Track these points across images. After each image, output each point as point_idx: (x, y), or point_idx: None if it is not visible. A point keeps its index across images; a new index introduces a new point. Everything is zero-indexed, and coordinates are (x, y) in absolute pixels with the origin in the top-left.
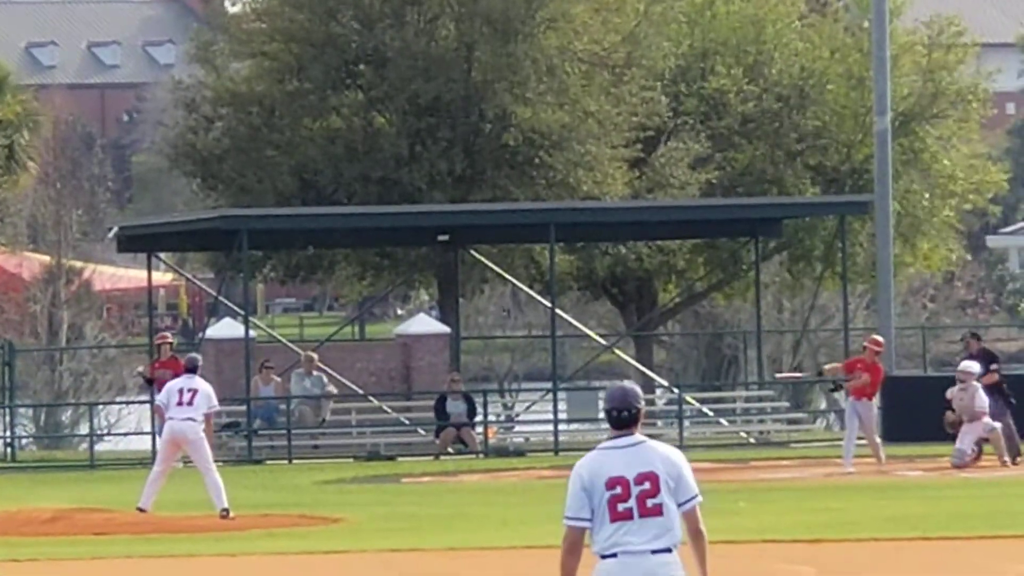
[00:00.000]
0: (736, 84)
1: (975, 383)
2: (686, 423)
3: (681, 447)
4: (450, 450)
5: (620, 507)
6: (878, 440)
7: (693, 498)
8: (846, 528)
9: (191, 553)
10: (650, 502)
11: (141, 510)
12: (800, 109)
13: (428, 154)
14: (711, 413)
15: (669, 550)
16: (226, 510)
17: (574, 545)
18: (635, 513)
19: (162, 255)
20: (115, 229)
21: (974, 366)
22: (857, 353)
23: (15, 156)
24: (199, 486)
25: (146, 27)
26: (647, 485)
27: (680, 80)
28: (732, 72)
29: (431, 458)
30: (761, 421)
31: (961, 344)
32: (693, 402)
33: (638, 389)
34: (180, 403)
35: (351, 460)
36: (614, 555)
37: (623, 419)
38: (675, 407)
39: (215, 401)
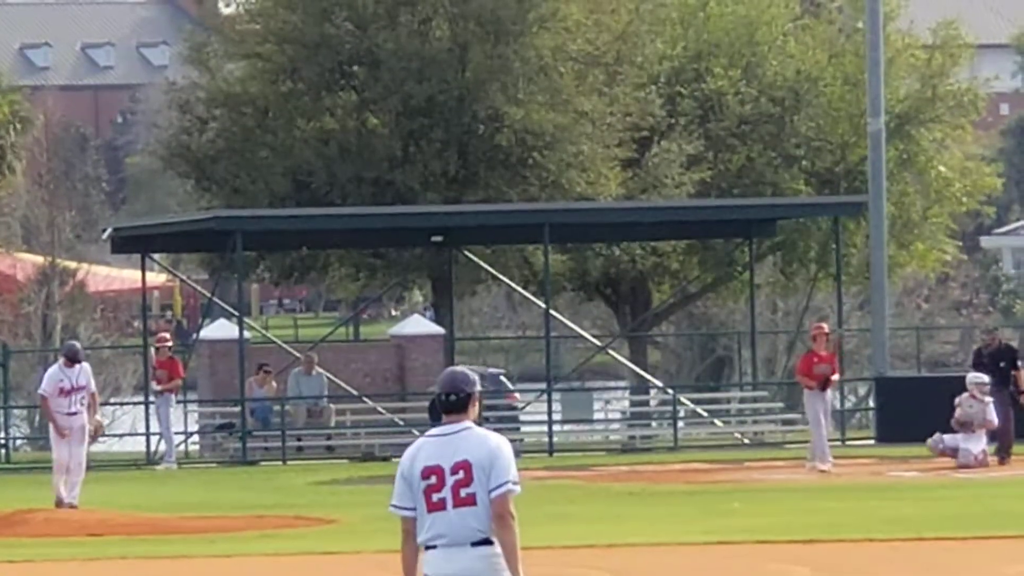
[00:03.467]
0: (733, 86)
1: (987, 398)
2: (680, 424)
3: (675, 448)
4: None
5: (435, 497)
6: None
7: (503, 484)
8: (841, 529)
9: (186, 554)
10: (463, 492)
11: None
12: (795, 111)
13: (422, 155)
14: (705, 414)
15: (490, 542)
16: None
17: (406, 534)
18: (448, 503)
19: (156, 256)
20: (109, 230)
21: (985, 377)
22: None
23: (5, 157)
24: (194, 487)
25: (140, 28)
26: (461, 474)
27: (675, 82)
28: (729, 74)
29: None
30: (755, 422)
31: (982, 342)
32: (687, 403)
33: (471, 374)
34: None
35: (346, 461)
36: (435, 547)
37: (452, 403)
38: (669, 408)
39: (41, 387)
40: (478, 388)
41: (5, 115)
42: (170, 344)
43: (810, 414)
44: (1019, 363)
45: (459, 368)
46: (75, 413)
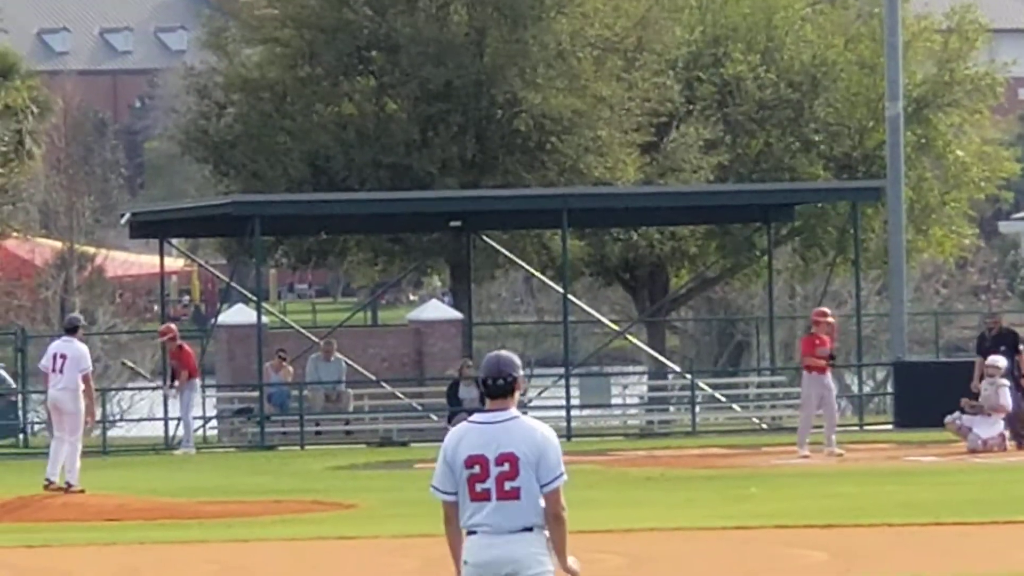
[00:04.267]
0: (752, 71)
1: (1002, 379)
2: (698, 409)
3: (693, 433)
4: None
5: (478, 487)
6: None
7: (554, 480)
8: (858, 513)
9: (204, 539)
10: (508, 485)
11: (49, 481)
12: (813, 96)
13: (439, 140)
14: (723, 399)
15: (530, 529)
16: (69, 484)
17: (447, 518)
18: (492, 495)
19: (174, 241)
20: (127, 215)
21: (1002, 360)
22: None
23: (24, 142)
24: (212, 471)
25: (158, 13)
26: (506, 467)
27: (693, 67)
28: (748, 59)
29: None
30: (773, 407)
31: (985, 326)
32: (706, 387)
33: (515, 358)
34: (54, 370)
35: (364, 446)
36: (475, 532)
37: (498, 388)
38: (687, 393)
39: (86, 363)
40: (522, 372)
41: (24, 100)
42: (172, 336)
43: (804, 396)
44: (1021, 347)
45: (503, 352)
46: None
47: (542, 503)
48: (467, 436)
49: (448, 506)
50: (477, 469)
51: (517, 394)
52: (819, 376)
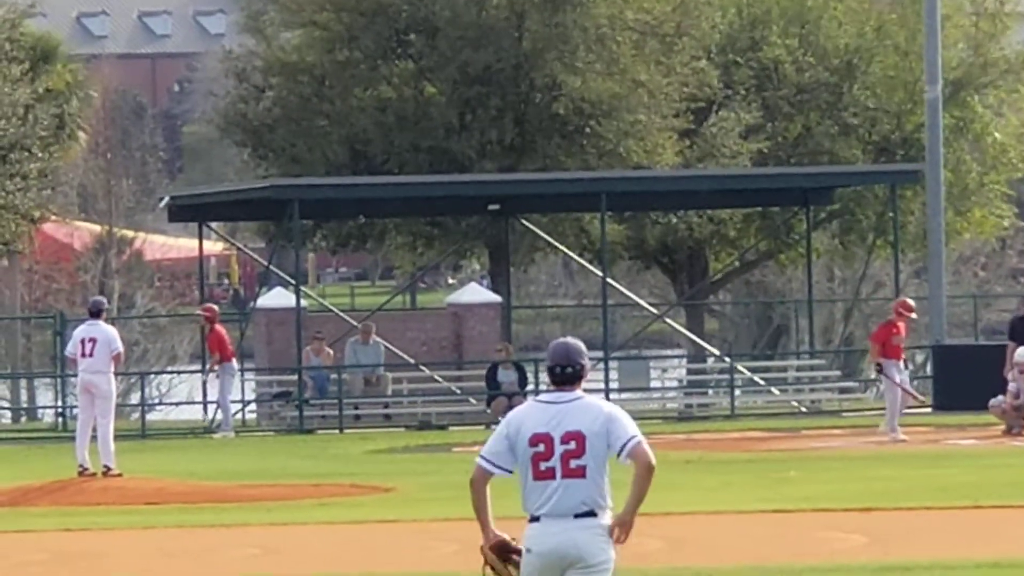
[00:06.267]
0: (791, 54)
1: None
2: (737, 392)
3: (732, 416)
4: (501, 419)
5: (542, 466)
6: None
7: (631, 439)
8: (897, 497)
9: (243, 522)
10: (574, 463)
11: (83, 468)
12: (851, 79)
13: (478, 123)
14: (762, 382)
15: (593, 514)
16: (107, 467)
17: (474, 482)
18: (557, 473)
19: (213, 224)
20: (166, 199)
21: None
22: (909, 322)
23: (65, 126)
24: (250, 455)
25: None
26: (572, 445)
27: (730, 50)
28: (786, 42)
29: (482, 427)
30: (812, 390)
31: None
32: (744, 371)
33: (582, 345)
34: (84, 355)
35: (403, 429)
36: (538, 518)
37: (565, 375)
38: (726, 376)
39: (117, 344)
40: (587, 360)
41: (67, 84)
42: (210, 316)
43: (889, 384)
44: None
45: (571, 340)
46: None
47: (606, 485)
48: (531, 414)
49: (481, 473)
50: (541, 448)
51: (583, 382)
52: (897, 362)
